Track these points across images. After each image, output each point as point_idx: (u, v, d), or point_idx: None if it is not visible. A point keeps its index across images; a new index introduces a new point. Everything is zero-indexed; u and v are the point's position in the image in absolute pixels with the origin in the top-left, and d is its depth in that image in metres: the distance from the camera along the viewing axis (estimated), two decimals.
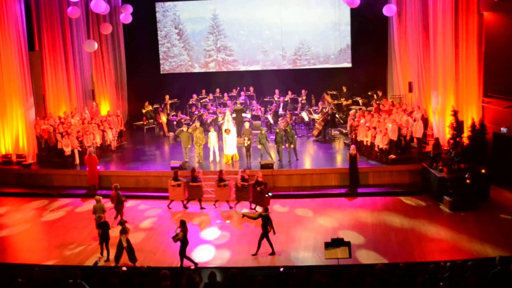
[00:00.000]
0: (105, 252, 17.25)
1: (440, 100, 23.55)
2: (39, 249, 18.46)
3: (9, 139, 25.71)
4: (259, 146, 23.74)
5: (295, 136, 24.74)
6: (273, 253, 16.99)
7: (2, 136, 25.67)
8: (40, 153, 26.17)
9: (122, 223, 16.78)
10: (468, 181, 20.15)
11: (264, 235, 16.97)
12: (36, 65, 27.40)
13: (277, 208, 20.74)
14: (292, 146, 23.96)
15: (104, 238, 17.14)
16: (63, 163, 24.84)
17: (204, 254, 17.34)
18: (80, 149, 25.12)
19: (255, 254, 17.00)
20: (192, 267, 16.09)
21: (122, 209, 19.82)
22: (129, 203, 21.48)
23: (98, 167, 23.46)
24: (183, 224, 16.25)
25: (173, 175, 21.37)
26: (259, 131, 25.96)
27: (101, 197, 18.84)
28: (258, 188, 20.03)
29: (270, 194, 20.00)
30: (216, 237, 18.72)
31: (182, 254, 16.18)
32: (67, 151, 24.71)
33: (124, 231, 16.49)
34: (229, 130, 24.08)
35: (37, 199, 23.15)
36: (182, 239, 16.11)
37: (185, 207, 21.36)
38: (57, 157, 25.19)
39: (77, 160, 24.99)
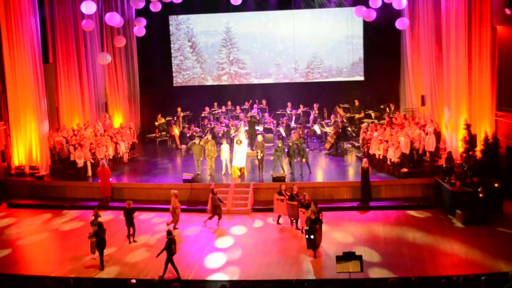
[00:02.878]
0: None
1: (452, 113, 23.48)
2: (51, 260, 18.52)
3: (22, 151, 25.85)
4: (271, 158, 23.72)
5: (306, 150, 24.70)
6: (162, 277, 16.48)
7: (16, 147, 25.82)
8: (53, 165, 26.30)
9: (96, 215, 18.57)
10: (481, 195, 20.02)
11: (170, 257, 16.68)
12: (50, 78, 27.60)
13: (288, 220, 20.73)
14: (304, 160, 23.96)
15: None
16: (75, 175, 24.95)
17: (215, 267, 17.32)
18: (93, 161, 25.23)
19: (178, 278, 16.57)
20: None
21: (220, 212, 20.54)
22: (140, 216, 21.57)
23: (111, 179, 23.56)
24: (100, 227, 17.63)
25: (279, 188, 20.77)
26: (271, 144, 25.98)
27: (176, 192, 20.47)
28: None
29: (312, 237, 17.49)
30: (227, 249, 18.71)
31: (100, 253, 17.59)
32: (80, 163, 24.82)
33: (92, 223, 18.28)
34: (241, 141, 24.11)
35: (49, 210, 23.25)
36: (97, 240, 17.47)
37: (295, 225, 20.27)
38: (69, 169, 25.30)
39: (90, 172, 25.10)
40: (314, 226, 17.42)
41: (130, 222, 19.40)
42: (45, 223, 22.00)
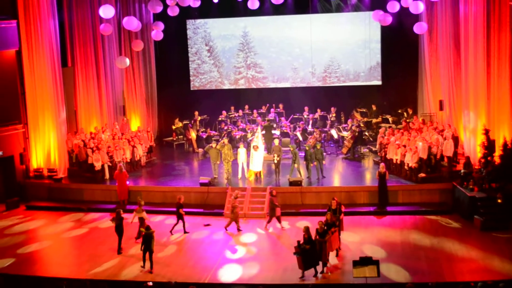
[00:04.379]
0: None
1: (471, 118, 23.32)
2: (68, 263, 18.65)
3: (41, 153, 26.05)
4: (296, 165, 23.66)
5: (324, 153, 24.65)
6: (143, 267, 17.48)
7: (35, 150, 26.03)
8: (71, 167, 26.46)
9: (140, 204, 19.93)
10: (499, 200, 19.87)
11: (150, 252, 17.33)
12: (69, 81, 27.78)
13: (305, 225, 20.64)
14: (324, 162, 23.95)
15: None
16: (93, 178, 25.10)
17: (232, 270, 17.34)
18: (110, 164, 25.35)
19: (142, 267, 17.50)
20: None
21: (274, 215, 20.38)
22: (157, 218, 21.67)
23: (128, 182, 23.65)
24: (117, 214, 18.90)
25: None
26: (288, 148, 25.91)
27: (238, 195, 20.96)
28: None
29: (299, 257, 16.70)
30: (244, 253, 18.72)
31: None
32: (97, 166, 24.95)
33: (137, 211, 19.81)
34: (257, 146, 24.09)
35: (67, 213, 23.41)
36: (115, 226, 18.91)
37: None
38: (87, 172, 25.45)
39: (107, 175, 25.22)
40: (304, 246, 16.36)
41: (179, 216, 20.43)
42: (63, 225, 22.12)
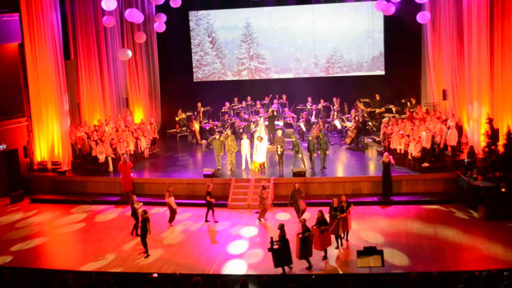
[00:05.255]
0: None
1: (474, 107, 23.27)
2: (73, 255, 18.71)
3: (44, 146, 26.10)
4: (299, 155, 23.64)
5: (328, 144, 24.64)
6: (147, 255, 17.88)
7: (38, 143, 26.09)
8: (74, 160, 26.50)
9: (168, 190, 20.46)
10: (503, 189, 19.85)
11: (143, 235, 17.72)
12: (72, 74, 27.79)
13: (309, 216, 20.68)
14: (327, 152, 23.99)
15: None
16: (97, 170, 25.13)
17: (236, 262, 17.39)
18: (114, 157, 25.38)
19: (147, 256, 17.90)
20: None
21: (300, 209, 20.22)
22: (161, 210, 21.67)
23: (132, 174, 23.67)
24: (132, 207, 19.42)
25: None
26: (291, 139, 25.93)
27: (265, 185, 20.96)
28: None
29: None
30: (248, 244, 18.76)
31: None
32: (101, 158, 24.97)
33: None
34: (262, 137, 24.11)
35: (72, 205, 23.45)
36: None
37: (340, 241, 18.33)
38: (91, 165, 25.49)
39: (111, 168, 25.24)
40: (274, 242, 16.01)
41: (208, 203, 20.73)
42: (67, 218, 22.18)
